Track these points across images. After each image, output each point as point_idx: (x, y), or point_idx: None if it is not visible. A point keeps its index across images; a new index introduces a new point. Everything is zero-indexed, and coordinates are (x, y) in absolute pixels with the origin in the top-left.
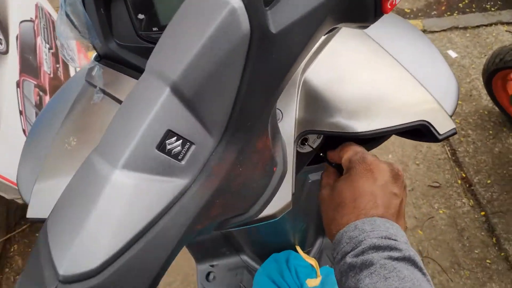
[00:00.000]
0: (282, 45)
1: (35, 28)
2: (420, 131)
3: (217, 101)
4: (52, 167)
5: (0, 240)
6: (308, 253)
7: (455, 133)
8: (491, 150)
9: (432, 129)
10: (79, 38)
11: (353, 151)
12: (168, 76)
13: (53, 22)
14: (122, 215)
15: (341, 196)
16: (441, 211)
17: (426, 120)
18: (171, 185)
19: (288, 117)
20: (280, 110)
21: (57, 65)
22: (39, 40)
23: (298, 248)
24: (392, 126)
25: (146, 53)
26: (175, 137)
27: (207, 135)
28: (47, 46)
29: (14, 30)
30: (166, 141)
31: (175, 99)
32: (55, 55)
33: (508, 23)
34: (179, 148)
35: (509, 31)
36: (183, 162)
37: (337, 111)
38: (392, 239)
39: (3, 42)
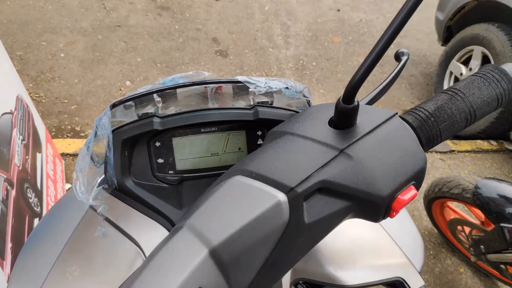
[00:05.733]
0: (310, 232)
1: (13, 120)
2: (395, 285)
3: (247, 268)
4: None
5: None
6: None
7: None
8: (432, 270)
9: (406, 285)
10: (93, 167)
11: None
12: (209, 240)
13: (29, 113)
14: None
15: None
16: None
17: (401, 277)
18: None
19: None
20: None
21: (26, 157)
22: (14, 132)
23: None
24: (374, 281)
25: (158, 191)
26: None
27: None
28: (21, 137)
29: None
30: None
31: (211, 261)
32: (26, 146)
33: (441, 152)
34: None
35: (442, 159)
36: None
37: (328, 263)
38: None
39: None
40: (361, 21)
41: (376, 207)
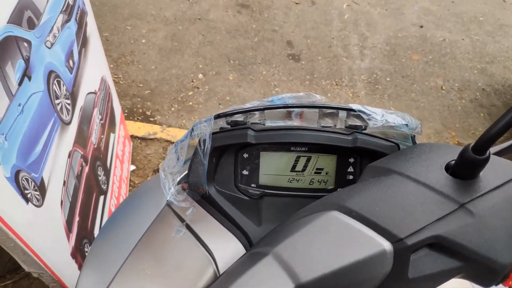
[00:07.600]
0: (411, 287)
1: (96, 99)
2: None
3: None
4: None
5: None
6: None
7: None
8: None
9: None
10: (179, 169)
11: None
12: (298, 276)
13: (109, 94)
14: None
15: None
16: None
17: None
18: None
19: None
20: None
21: (102, 136)
22: (95, 112)
23: None
24: None
25: (238, 203)
26: None
27: None
28: (100, 117)
29: (80, 102)
30: None
31: None
32: (103, 126)
33: None
34: None
35: None
36: None
37: None
38: None
39: (70, 113)
40: (445, 41)
41: (492, 273)
